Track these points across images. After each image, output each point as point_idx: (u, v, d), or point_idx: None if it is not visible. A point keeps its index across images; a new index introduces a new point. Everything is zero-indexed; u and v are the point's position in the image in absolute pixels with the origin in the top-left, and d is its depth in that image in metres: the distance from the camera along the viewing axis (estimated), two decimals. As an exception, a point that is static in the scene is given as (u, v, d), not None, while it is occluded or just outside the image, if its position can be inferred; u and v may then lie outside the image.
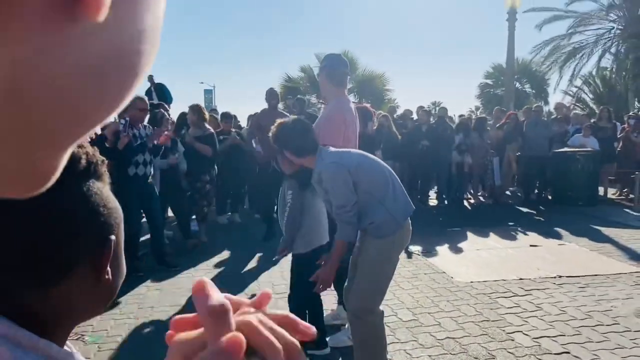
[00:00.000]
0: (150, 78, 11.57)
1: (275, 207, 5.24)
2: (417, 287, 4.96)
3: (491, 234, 7.19)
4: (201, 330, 0.38)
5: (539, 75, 24.93)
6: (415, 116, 10.53)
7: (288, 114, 5.77)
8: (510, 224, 7.93)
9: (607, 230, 7.27)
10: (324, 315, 3.85)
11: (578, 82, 22.63)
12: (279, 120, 3.18)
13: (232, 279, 5.23)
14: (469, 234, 7.18)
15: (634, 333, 3.87)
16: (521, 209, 9.54)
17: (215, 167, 6.81)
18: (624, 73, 20.15)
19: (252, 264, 5.77)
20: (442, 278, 5.23)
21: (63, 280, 0.60)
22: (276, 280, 5.09)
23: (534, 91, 25.86)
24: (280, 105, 8.12)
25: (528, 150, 9.97)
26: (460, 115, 11.24)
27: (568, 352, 3.59)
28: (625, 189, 10.51)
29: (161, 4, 0.24)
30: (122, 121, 5.28)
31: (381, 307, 3.11)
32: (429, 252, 6.24)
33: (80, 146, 0.62)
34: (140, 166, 5.32)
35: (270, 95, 6.78)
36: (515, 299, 4.60)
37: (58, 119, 0.22)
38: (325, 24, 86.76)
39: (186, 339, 0.38)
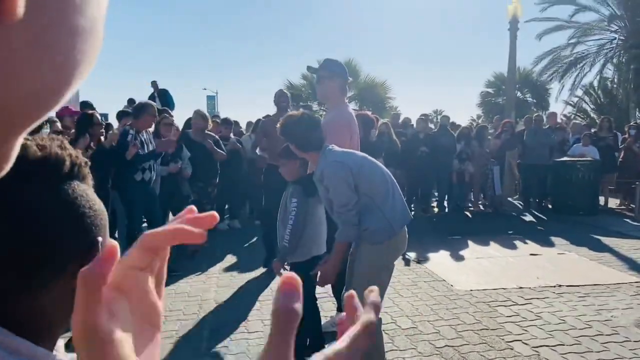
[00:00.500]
0: (154, 84, 11.61)
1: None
2: (417, 295, 4.96)
3: (491, 242, 7.19)
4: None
5: (540, 85, 24.97)
6: (414, 124, 10.56)
7: None
8: (511, 232, 7.92)
9: (607, 240, 7.26)
10: (324, 322, 3.84)
11: (579, 92, 22.67)
12: (289, 112, 3.19)
13: (232, 284, 5.23)
14: (469, 242, 7.18)
15: (633, 343, 3.86)
16: (521, 217, 9.54)
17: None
18: (625, 84, 20.18)
19: (252, 269, 5.77)
20: (442, 286, 5.22)
21: (52, 284, 0.59)
22: (275, 286, 5.08)
23: (535, 101, 25.90)
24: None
25: (528, 159, 9.99)
26: (459, 126, 11.24)
27: (567, 362, 3.58)
28: (627, 199, 10.51)
29: (93, 4, 0.25)
30: (131, 131, 5.27)
31: (380, 315, 3.10)
32: (429, 260, 6.23)
33: (63, 148, 0.62)
34: (147, 172, 5.36)
35: (280, 97, 6.09)
36: (515, 308, 4.59)
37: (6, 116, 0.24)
38: (328, 31, 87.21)
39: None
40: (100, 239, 0.65)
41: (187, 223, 0.42)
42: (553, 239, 7.37)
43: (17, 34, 0.22)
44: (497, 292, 5.03)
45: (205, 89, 30.40)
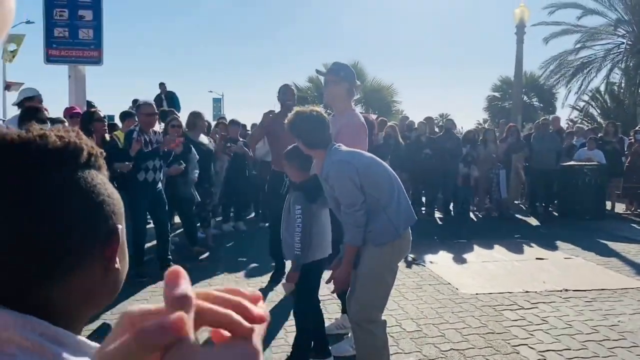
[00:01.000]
0: (162, 85, 11.67)
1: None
2: (422, 298, 4.94)
3: (497, 246, 7.15)
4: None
5: (546, 89, 24.91)
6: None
7: None
8: (517, 236, 7.88)
9: (614, 245, 7.22)
10: (328, 324, 3.83)
11: (586, 97, 22.60)
12: (296, 108, 3.17)
13: (237, 285, 5.22)
14: (475, 246, 7.15)
15: (641, 348, 3.83)
16: (527, 221, 9.50)
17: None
18: (632, 88, 20.10)
19: (257, 271, 5.76)
20: (447, 289, 5.20)
21: (73, 272, 0.61)
22: (281, 288, 5.07)
23: (541, 105, 25.85)
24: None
25: (535, 164, 9.97)
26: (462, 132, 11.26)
27: (574, 367, 3.56)
28: (633, 204, 10.45)
29: None
30: (136, 128, 5.31)
31: (385, 317, 3.09)
32: (434, 263, 6.21)
33: (80, 138, 0.63)
34: (150, 172, 5.34)
35: (285, 93, 5.36)
36: (520, 312, 4.56)
37: None
38: (334, 34, 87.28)
39: (139, 310, 0.39)
40: (120, 226, 0.66)
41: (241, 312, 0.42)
42: (559, 243, 7.33)
43: None
44: (503, 295, 5.00)
45: (211, 91, 30.54)
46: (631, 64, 20.38)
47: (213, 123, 10.89)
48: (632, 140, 10.70)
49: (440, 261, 6.33)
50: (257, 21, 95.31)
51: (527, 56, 17.46)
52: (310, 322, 3.46)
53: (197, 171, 6.37)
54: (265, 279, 5.45)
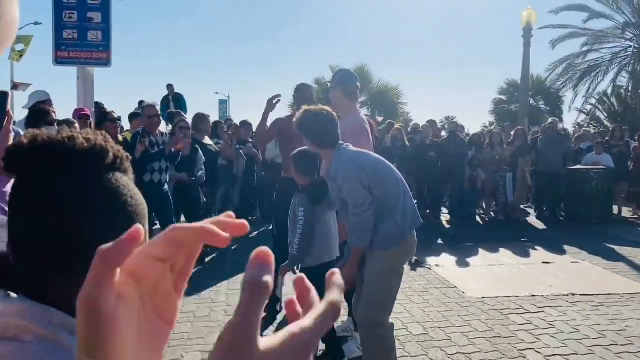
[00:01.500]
0: (170, 87, 11.71)
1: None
2: (428, 301, 4.93)
3: (503, 249, 7.13)
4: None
5: (553, 93, 24.84)
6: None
7: None
8: (523, 240, 7.86)
9: (621, 249, 7.19)
10: (334, 326, 3.83)
11: (593, 100, 22.52)
12: (305, 107, 3.18)
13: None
14: (481, 249, 7.13)
15: (648, 354, 3.82)
16: (534, 225, 9.47)
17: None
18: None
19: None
20: (454, 293, 5.19)
21: None
22: (287, 291, 5.08)
23: (548, 108, 25.76)
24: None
25: (542, 167, 9.94)
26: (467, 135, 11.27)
27: (581, 371, 3.55)
28: (639, 208, 10.39)
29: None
30: (139, 130, 5.37)
31: (391, 321, 3.09)
32: (440, 266, 6.20)
33: (107, 141, 0.65)
34: (156, 173, 5.37)
35: (304, 97, 4.62)
36: (527, 316, 4.56)
37: None
38: (340, 36, 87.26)
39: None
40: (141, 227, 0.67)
41: (219, 226, 0.41)
42: (566, 247, 7.31)
43: None
44: (510, 299, 4.99)
45: (217, 92, 30.59)
46: (638, 68, 20.30)
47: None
48: (638, 144, 10.66)
49: (446, 264, 6.32)
50: (262, 22, 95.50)
51: (533, 59, 17.41)
52: None
53: (203, 173, 6.41)
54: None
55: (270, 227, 8.18)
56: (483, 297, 5.04)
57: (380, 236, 2.91)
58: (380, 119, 14.75)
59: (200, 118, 6.87)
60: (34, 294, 0.60)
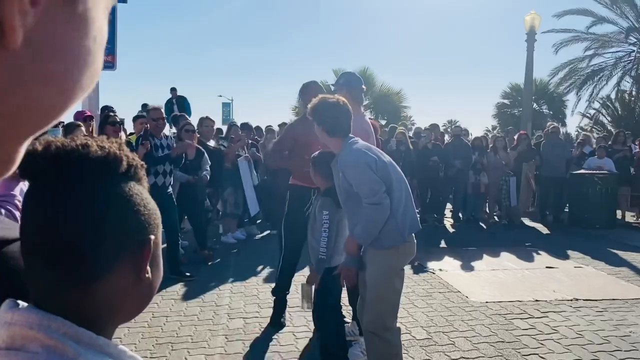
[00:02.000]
0: (174, 90, 11.75)
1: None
2: (432, 305, 4.93)
3: (507, 254, 7.12)
4: None
5: (556, 97, 24.81)
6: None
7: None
8: (527, 244, 7.85)
9: (625, 254, 7.16)
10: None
11: (596, 105, 22.49)
12: (321, 95, 3.17)
13: (247, 291, 5.23)
14: (485, 254, 7.12)
15: (653, 360, 3.80)
16: (537, 230, 9.45)
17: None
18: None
19: (267, 275, 5.77)
20: (457, 297, 5.19)
21: (104, 279, 0.62)
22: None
23: (551, 112, 25.73)
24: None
25: (545, 172, 9.93)
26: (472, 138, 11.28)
27: (585, 377, 3.53)
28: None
29: (89, 35, 0.31)
30: (141, 133, 5.39)
31: (397, 325, 3.10)
32: (443, 270, 6.19)
33: (121, 149, 0.65)
34: (160, 176, 5.39)
35: (308, 88, 4.38)
36: (531, 321, 4.54)
37: (11, 123, 0.30)
38: (343, 40, 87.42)
39: None
40: (152, 236, 0.67)
41: None
42: (569, 252, 7.29)
43: (27, 63, 0.28)
44: (513, 304, 4.98)
45: (220, 95, 30.61)
46: (642, 72, 20.26)
47: (223, 127, 10.97)
48: (639, 149, 10.64)
49: (450, 269, 6.31)
50: (266, 26, 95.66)
51: (536, 63, 17.38)
52: (332, 331, 3.48)
53: (208, 175, 6.43)
54: (273, 284, 5.45)
55: (275, 232, 8.25)
56: (487, 302, 5.03)
57: (381, 235, 2.91)
58: (382, 122, 14.74)
59: (200, 121, 6.91)
60: (43, 302, 0.61)
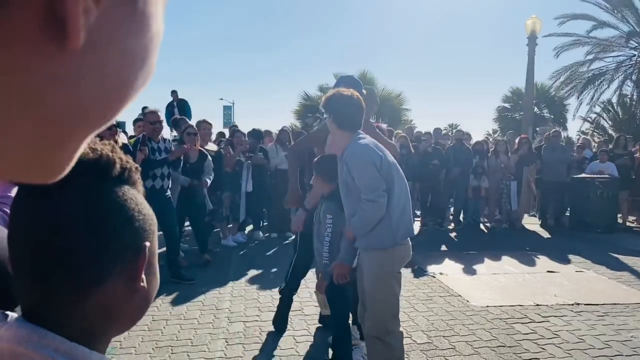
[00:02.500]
0: (174, 93, 11.76)
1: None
2: (432, 309, 4.91)
3: (508, 258, 7.11)
4: None
5: (557, 101, 24.80)
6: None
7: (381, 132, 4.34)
8: (527, 248, 7.83)
9: (626, 259, 7.15)
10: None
11: (597, 109, 22.48)
12: (337, 89, 3.17)
13: (247, 294, 5.22)
14: (485, 258, 7.10)
15: (654, 365, 3.78)
16: (538, 234, 9.44)
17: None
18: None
19: (268, 279, 5.76)
20: (458, 301, 5.17)
21: (99, 288, 0.59)
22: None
23: (552, 116, 25.71)
24: (298, 124, 7.97)
25: (546, 176, 9.92)
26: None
27: (586, 382, 3.52)
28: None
29: (147, 33, 0.30)
30: (140, 137, 5.40)
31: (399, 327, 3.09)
32: (444, 274, 6.18)
33: (114, 152, 0.62)
34: (158, 179, 5.38)
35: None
36: (532, 325, 4.53)
37: (69, 124, 0.29)
38: (344, 43, 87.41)
39: None
40: (147, 243, 0.64)
41: None
42: (570, 256, 7.27)
43: (86, 63, 0.27)
44: (514, 308, 4.96)
45: (221, 99, 30.51)
46: (643, 77, 20.25)
47: (225, 130, 10.99)
48: (639, 154, 10.63)
49: (450, 273, 6.30)
50: (267, 31, 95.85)
51: (537, 67, 17.37)
52: (341, 340, 3.49)
53: (210, 178, 6.42)
54: (276, 289, 5.45)
55: (276, 236, 8.26)
56: (487, 306, 5.02)
57: (374, 234, 2.91)
58: (384, 125, 14.73)
59: (198, 125, 6.91)
60: (32, 314, 0.58)
